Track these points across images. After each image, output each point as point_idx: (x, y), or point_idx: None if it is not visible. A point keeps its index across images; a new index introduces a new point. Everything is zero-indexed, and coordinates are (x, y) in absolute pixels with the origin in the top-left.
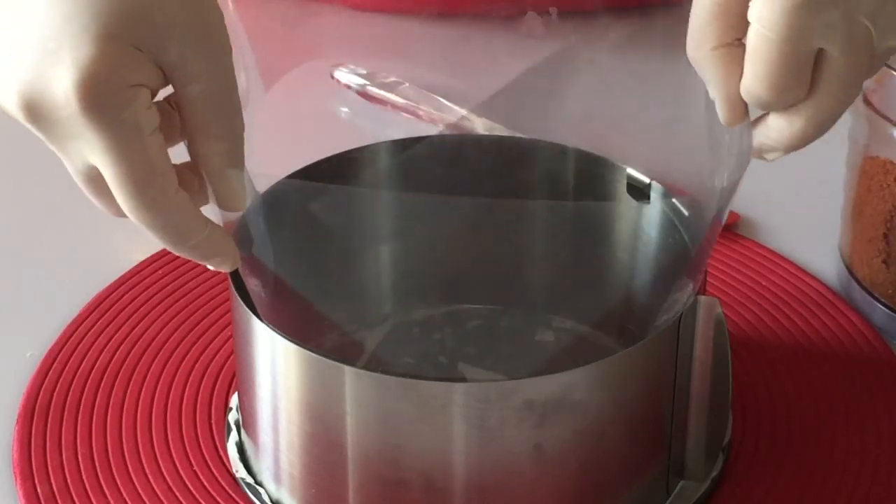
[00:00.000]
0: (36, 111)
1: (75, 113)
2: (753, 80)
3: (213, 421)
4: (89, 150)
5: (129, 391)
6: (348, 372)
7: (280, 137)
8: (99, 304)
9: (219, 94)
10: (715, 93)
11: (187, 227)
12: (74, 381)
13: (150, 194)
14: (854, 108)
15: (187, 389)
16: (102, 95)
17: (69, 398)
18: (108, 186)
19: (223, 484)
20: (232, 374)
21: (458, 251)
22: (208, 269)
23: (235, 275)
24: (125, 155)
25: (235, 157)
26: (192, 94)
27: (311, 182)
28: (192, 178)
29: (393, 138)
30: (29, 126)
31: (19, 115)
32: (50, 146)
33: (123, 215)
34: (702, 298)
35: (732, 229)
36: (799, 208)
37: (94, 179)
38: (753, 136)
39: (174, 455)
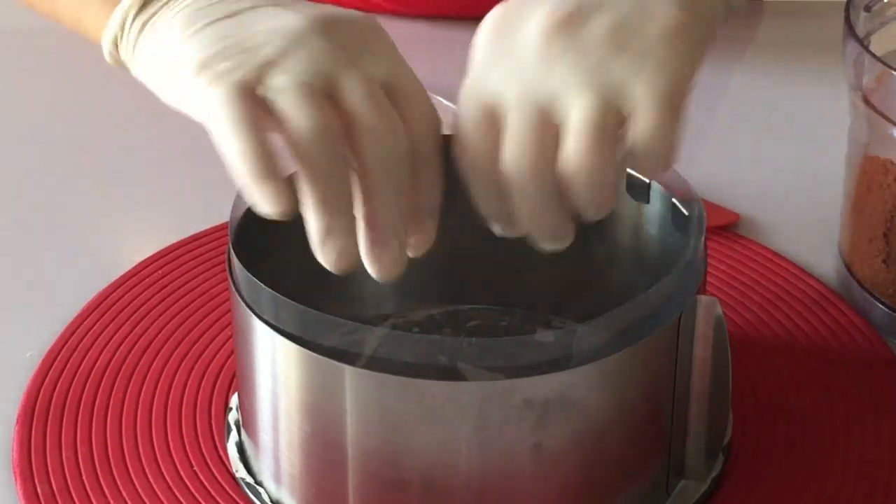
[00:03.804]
0: (339, 25)
1: (370, 27)
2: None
3: (213, 421)
4: (378, 60)
5: (129, 391)
6: (348, 372)
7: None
8: (99, 304)
9: None
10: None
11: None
12: (74, 381)
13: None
14: (854, 108)
15: (187, 389)
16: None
17: (69, 398)
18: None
19: (223, 484)
20: (232, 374)
21: (458, 251)
22: (208, 270)
23: (235, 275)
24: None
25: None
26: None
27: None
28: None
29: None
30: (313, 41)
31: (314, 28)
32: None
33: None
34: (702, 298)
35: (732, 229)
36: (799, 208)
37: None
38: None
39: (174, 455)
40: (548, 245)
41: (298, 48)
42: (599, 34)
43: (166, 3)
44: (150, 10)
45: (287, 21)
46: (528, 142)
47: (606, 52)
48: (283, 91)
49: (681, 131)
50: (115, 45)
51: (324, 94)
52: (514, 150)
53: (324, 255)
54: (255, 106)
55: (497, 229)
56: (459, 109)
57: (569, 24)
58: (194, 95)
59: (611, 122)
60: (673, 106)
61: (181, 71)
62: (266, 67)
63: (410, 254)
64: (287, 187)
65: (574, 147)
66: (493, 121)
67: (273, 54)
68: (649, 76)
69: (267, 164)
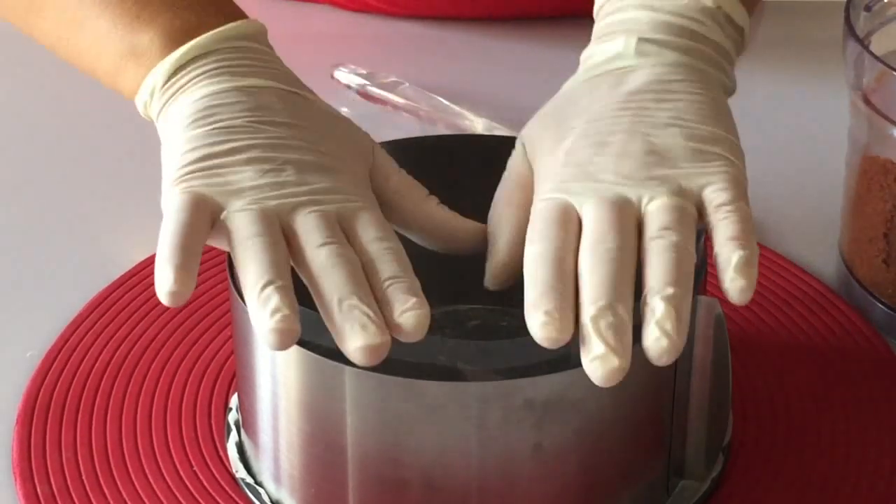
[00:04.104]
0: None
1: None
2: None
3: (213, 421)
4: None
5: (129, 391)
6: (348, 372)
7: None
8: (99, 304)
9: None
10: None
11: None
12: (74, 381)
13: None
14: (854, 108)
15: (187, 389)
16: None
17: (69, 398)
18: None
19: (223, 484)
20: (232, 374)
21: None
22: (208, 270)
23: (235, 275)
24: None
25: None
26: None
27: None
28: None
29: (393, 138)
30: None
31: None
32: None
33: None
34: (702, 298)
35: None
36: (799, 208)
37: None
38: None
39: (174, 455)
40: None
41: (272, 185)
42: (662, 149)
43: (191, 81)
44: (177, 84)
45: (268, 162)
46: (611, 223)
47: (675, 164)
48: (237, 212)
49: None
50: (146, 108)
51: (275, 222)
52: (594, 233)
53: (265, 323)
54: (205, 218)
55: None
56: (533, 213)
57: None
58: (166, 193)
59: (689, 209)
60: (743, 189)
61: (167, 171)
62: (233, 193)
63: (403, 338)
64: (188, 283)
65: (658, 224)
66: (574, 224)
67: (243, 184)
68: (716, 172)
69: (183, 255)
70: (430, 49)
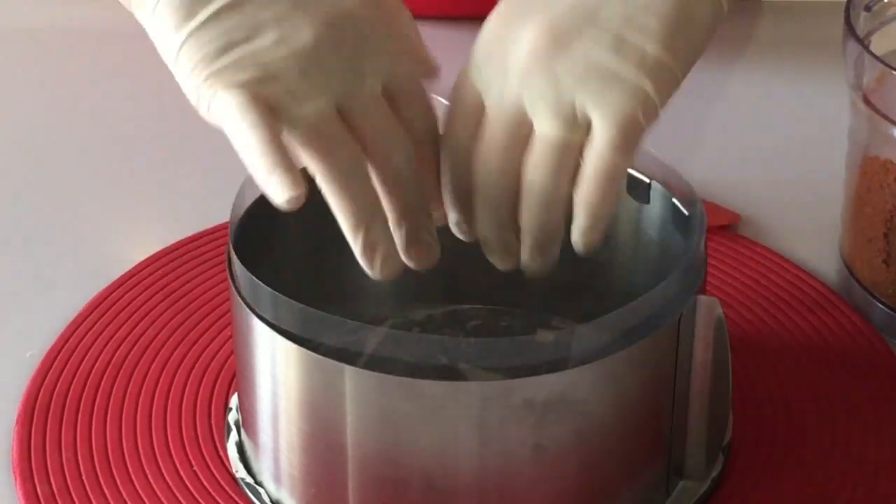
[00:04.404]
0: (343, 27)
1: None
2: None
3: (213, 421)
4: (379, 64)
5: (129, 391)
6: (348, 372)
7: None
8: (99, 304)
9: None
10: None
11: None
12: (74, 381)
13: None
14: (854, 108)
15: (187, 389)
16: None
17: (69, 398)
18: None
19: (223, 484)
20: (232, 374)
21: (458, 251)
22: (208, 270)
23: (235, 275)
24: None
25: None
26: None
27: (311, 181)
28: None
29: None
30: (324, 59)
31: (323, 40)
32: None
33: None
34: (702, 298)
35: (732, 229)
36: (799, 208)
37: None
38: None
39: (174, 455)
40: (494, 258)
41: (310, 71)
42: (578, 61)
43: None
44: None
45: (296, 31)
46: (498, 145)
47: (580, 78)
48: (306, 127)
49: (624, 171)
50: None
51: (339, 119)
52: (484, 150)
53: (371, 266)
54: (268, 111)
55: (455, 230)
56: (450, 99)
57: (554, 47)
58: (202, 94)
59: (571, 144)
60: (621, 147)
61: (183, 65)
62: (283, 93)
63: (413, 266)
64: (298, 175)
65: (534, 158)
66: (474, 118)
67: (285, 73)
68: (610, 108)
69: (282, 156)
70: (430, 49)
